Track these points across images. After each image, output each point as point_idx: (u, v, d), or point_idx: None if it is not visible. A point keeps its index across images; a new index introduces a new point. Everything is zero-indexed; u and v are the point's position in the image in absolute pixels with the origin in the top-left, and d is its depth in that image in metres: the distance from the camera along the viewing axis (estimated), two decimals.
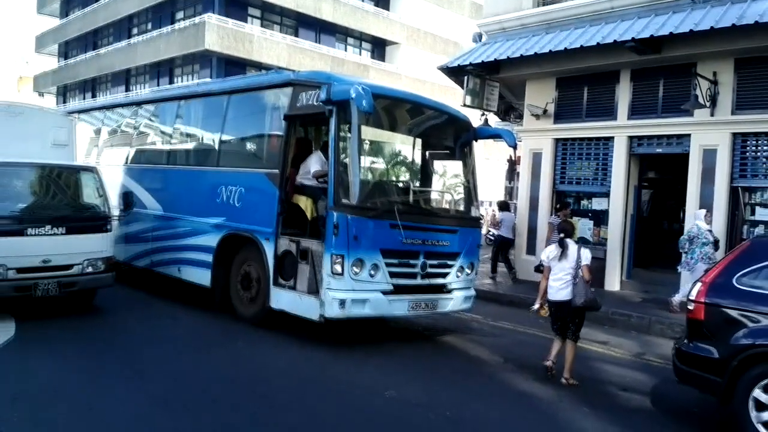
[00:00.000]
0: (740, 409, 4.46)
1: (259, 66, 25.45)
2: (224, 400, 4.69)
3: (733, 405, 4.53)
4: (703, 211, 9.03)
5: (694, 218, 9.16)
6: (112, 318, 7.32)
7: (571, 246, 5.71)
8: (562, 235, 5.80)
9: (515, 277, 11.88)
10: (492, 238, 12.11)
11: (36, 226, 6.54)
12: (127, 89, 31.33)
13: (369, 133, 7.27)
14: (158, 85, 28.61)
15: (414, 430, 4.45)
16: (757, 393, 4.39)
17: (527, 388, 5.60)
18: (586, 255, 5.68)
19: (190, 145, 8.96)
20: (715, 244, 8.72)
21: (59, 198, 7.31)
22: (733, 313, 4.63)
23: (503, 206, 12.72)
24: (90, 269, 6.94)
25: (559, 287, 5.64)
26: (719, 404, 4.72)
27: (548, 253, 5.84)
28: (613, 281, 10.93)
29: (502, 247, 12.06)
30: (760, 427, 4.35)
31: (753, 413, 4.39)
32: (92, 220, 7.17)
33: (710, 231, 8.75)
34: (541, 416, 4.92)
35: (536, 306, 5.87)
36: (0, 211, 6.57)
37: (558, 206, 11.21)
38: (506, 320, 8.66)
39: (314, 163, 6.99)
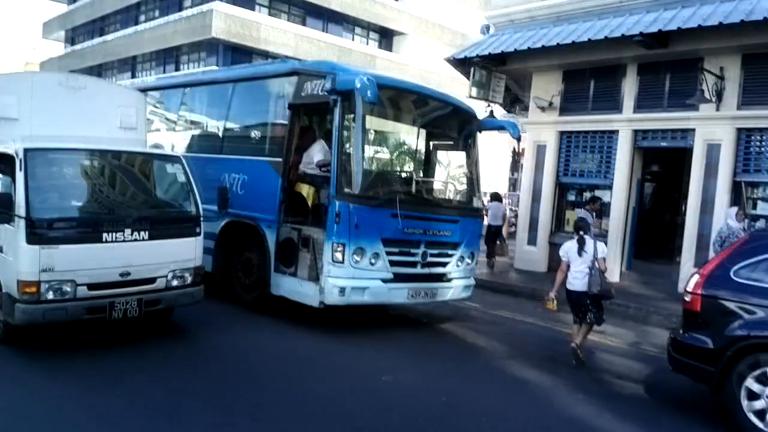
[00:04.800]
0: (732, 398, 4.54)
1: (265, 55, 25.44)
2: (221, 383, 4.78)
3: (725, 394, 4.61)
4: (735, 209, 8.69)
5: (725, 217, 8.93)
6: None
7: (588, 241, 6.07)
8: (581, 232, 6.12)
9: (493, 264, 12.30)
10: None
11: (113, 231, 5.17)
12: (134, 76, 31.39)
13: (373, 123, 7.31)
14: (164, 73, 28.66)
15: (410, 414, 4.53)
16: (750, 383, 4.47)
17: (523, 374, 5.69)
18: (602, 248, 6.10)
19: (194, 132, 9.04)
20: None
21: (139, 194, 5.95)
22: (729, 304, 4.69)
23: (494, 197, 13.34)
24: (175, 282, 5.66)
25: (578, 279, 6.00)
26: (711, 393, 4.80)
27: (567, 248, 6.15)
28: (613, 272, 10.94)
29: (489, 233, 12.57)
30: (751, 415, 4.44)
31: (745, 402, 4.48)
32: (180, 222, 5.86)
33: (744, 230, 8.22)
34: (536, 401, 5.01)
35: (552, 294, 6.18)
36: (69, 211, 5.29)
37: (587, 200, 11.24)
38: (505, 309, 8.75)
39: (317, 152, 7.04)
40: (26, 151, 5.07)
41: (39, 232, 4.85)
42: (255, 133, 8.07)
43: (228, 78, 8.62)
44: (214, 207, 7.66)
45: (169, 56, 29.27)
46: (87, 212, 5.38)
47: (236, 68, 10.22)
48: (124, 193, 5.87)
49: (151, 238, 5.40)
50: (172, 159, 6.25)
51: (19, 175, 4.97)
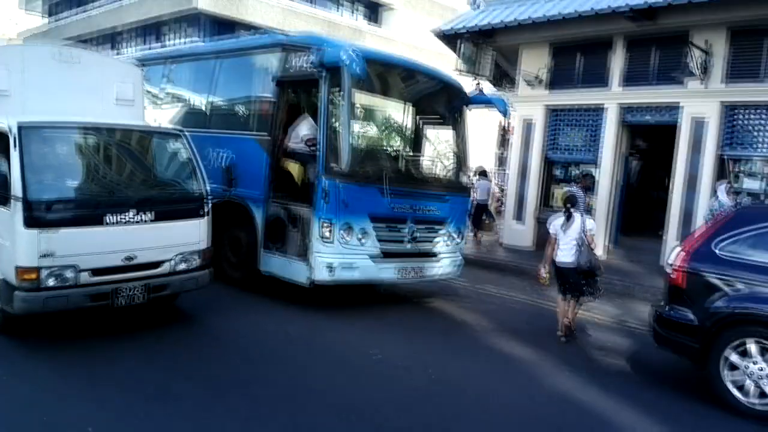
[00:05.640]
0: (714, 370, 4.64)
1: (250, 27, 24.92)
2: (213, 360, 4.79)
3: (707, 367, 4.71)
4: (725, 183, 8.77)
5: (714, 192, 8.91)
6: None
7: (576, 216, 6.13)
8: (569, 205, 6.18)
9: (480, 240, 12.58)
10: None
11: (116, 212, 4.87)
12: (115, 50, 30.70)
13: (360, 98, 7.24)
14: (146, 46, 28.07)
15: (397, 389, 4.58)
16: (731, 356, 4.56)
17: (510, 350, 5.77)
18: (591, 224, 6.21)
19: (178, 108, 8.88)
20: None
21: (142, 173, 5.60)
22: (712, 279, 4.76)
23: (481, 173, 13.51)
24: (183, 266, 5.36)
25: (566, 253, 6.07)
26: (694, 366, 4.90)
27: (555, 223, 6.21)
28: (598, 248, 11.06)
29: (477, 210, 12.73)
30: (731, 387, 4.55)
31: (725, 374, 4.58)
32: (186, 202, 5.52)
33: (738, 204, 8.21)
34: (522, 376, 5.10)
35: (543, 272, 6.28)
36: (68, 192, 4.95)
37: (578, 177, 11.28)
38: (492, 285, 8.84)
39: (304, 128, 6.97)
40: (20, 126, 4.70)
41: (37, 215, 4.53)
42: (241, 109, 7.96)
43: (212, 52, 8.47)
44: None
45: (151, 29, 28.62)
46: (87, 193, 5.02)
47: (221, 42, 10.04)
48: (126, 171, 5.48)
49: (156, 219, 5.11)
50: (175, 134, 5.88)
51: (14, 153, 4.60)
